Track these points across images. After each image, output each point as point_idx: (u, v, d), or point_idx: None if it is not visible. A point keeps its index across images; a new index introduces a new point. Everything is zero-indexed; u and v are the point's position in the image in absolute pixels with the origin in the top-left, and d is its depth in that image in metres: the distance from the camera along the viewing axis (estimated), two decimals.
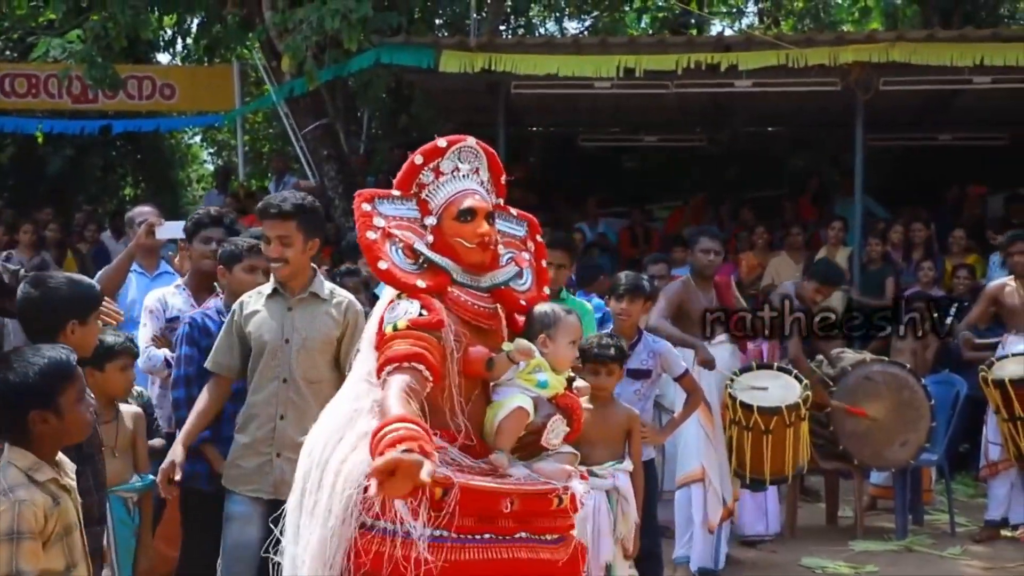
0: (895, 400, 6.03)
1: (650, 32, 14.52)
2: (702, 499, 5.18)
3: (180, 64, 13.42)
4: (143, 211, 5.13)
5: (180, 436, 3.68)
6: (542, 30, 15.17)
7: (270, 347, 3.64)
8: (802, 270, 8.83)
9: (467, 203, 2.77)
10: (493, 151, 2.94)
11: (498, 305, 2.86)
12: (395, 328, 2.63)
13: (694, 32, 13.37)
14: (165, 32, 12.50)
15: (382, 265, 2.71)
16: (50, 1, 10.18)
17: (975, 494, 6.92)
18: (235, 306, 3.75)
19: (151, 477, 3.80)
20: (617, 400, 4.31)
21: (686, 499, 5.26)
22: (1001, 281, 6.51)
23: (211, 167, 18.38)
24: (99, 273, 4.92)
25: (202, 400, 3.72)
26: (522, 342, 2.73)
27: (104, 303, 3.25)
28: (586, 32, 14.89)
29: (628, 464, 4.22)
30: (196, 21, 11.80)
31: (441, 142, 2.85)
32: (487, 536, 2.61)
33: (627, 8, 14.84)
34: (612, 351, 4.19)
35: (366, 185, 10.63)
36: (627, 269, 6.15)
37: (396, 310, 2.68)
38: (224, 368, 3.71)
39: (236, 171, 12.84)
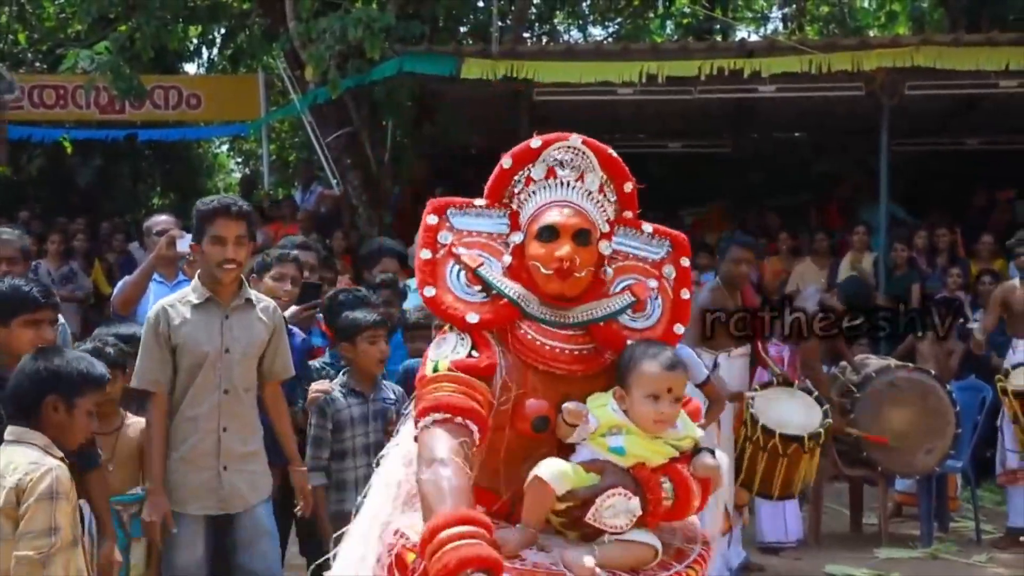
0: (920, 407, 5.97)
1: (674, 38, 14.49)
2: (710, 510, 5.17)
3: (206, 74, 13.55)
4: (160, 220, 5.16)
5: (154, 480, 3.46)
6: (566, 37, 15.18)
7: (210, 358, 3.50)
8: (827, 276, 8.82)
9: (548, 218, 2.27)
10: (608, 151, 2.38)
11: (594, 346, 2.28)
12: (436, 369, 2.20)
13: (719, 38, 13.33)
14: (191, 42, 12.63)
15: (428, 292, 2.28)
16: (76, 13, 10.34)
17: (1001, 501, 6.84)
18: (155, 317, 3.52)
19: None
20: None
21: None
22: (1011, 284, 6.48)
23: (238, 176, 18.55)
24: (119, 284, 4.98)
25: (157, 428, 3.50)
26: (573, 405, 2.19)
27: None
28: (610, 39, 14.89)
29: None
30: (221, 31, 11.91)
31: (535, 142, 2.36)
32: None
33: (651, 14, 14.84)
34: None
35: (391, 194, 10.74)
36: None
37: (443, 345, 2.26)
38: (160, 385, 3.51)
39: (261, 180, 12.95)
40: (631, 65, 8.40)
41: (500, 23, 10.30)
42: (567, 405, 2.18)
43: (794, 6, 15.52)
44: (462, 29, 12.05)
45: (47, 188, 14.05)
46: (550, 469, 2.12)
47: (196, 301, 3.56)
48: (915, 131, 10.65)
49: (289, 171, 15.31)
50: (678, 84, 8.54)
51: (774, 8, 16.66)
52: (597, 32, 15.69)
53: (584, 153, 2.35)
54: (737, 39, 13.29)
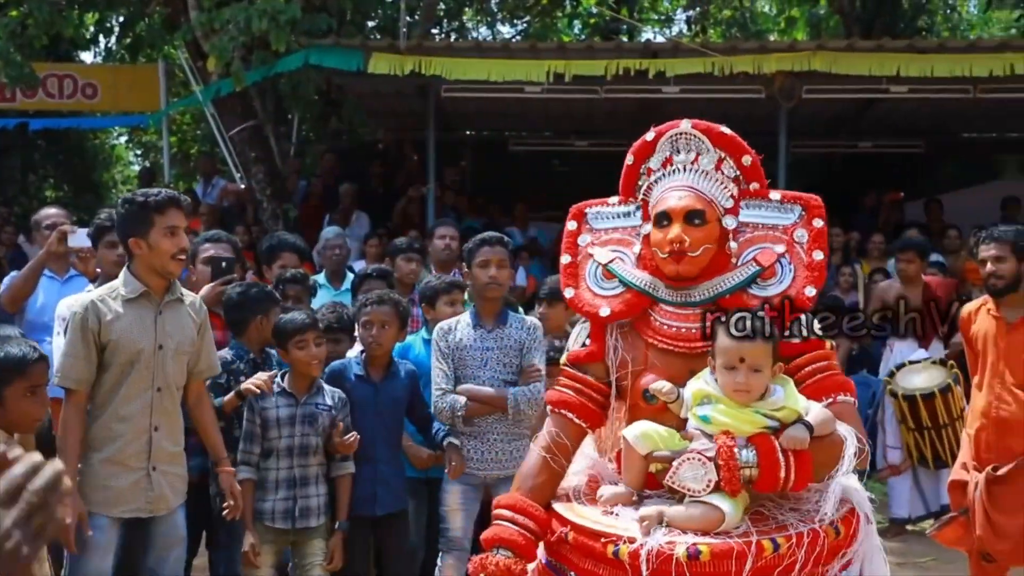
0: None
1: (582, 38, 14.64)
2: None
3: (103, 63, 13.13)
4: (50, 214, 4.97)
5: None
6: (475, 34, 15.21)
7: (144, 355, 3.39)
8: None
9: (661, 205, 2.41)
10: (719, 129, 2.48)
11: None
12: (563, 362, 2.55)
13: (625, 38, 13.52)
14: (87, 30, 12.23)
15: (568, 292, 2.53)
16: None
17: (887, 492, 7.12)
18: (84, 312, 3.37)
19: None
20: None
21: None
22: (887, 283, 6.73)
23: (137, 169, 18.05)
24: (6, 279, 4.79)
25: (74, 428, 3.33)
26: (660, 383, 2.33)
27: None
28: (519, 37, 14.97)
29: None
30: (119, 19, 11.55)
31: (649, 134, 2.52)
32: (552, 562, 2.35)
33: (559, 14, 14.96)
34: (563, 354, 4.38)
35: (296, 188, 10.57)
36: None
37: (573, 338, 2.57)
38: (84, 383, 3.36)
39: (161, 173, 12.61)
40: (539, 63, 8.44)
41: (408, 19, 10.24)
42: (654, 384, 2.32)
43: (698, 9, 15.85)
44: (369, 24, 11.96)
45: None
46: (634, 430, 2.30)
47: (129, 296, 3.42)
48: (812, 133, 10.98)
49: (191, 164, 14.98)
50: (585, 83, 8.63)
51: (678, 11, 16.99)
52: (505, 30, 15.77)
53: (695, 136, 2.45)
54: (642, 40, 13.50)
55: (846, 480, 2.32)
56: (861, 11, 12.98)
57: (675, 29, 16.93)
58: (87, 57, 13.84)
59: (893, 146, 11.54)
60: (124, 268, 3.52)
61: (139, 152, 18.83)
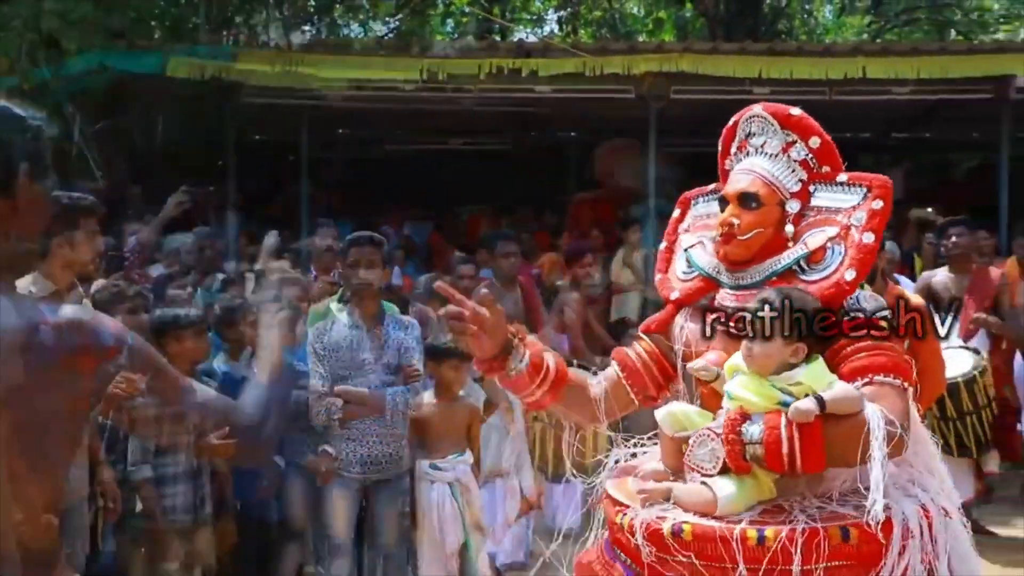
0: None
1: (455, 36, 14.65)
2: (503, 494, 5.28)
3: None
4: None
5: None
6: (347, 31, 15.01)
7: None
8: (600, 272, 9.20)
9: (724, 189, 2.45)
10: (787, 111, 2.43)
11: None
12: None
13: (498, 38, 13.59)
14: None
15: (657, 277, 2.61)
16: None
17: None
18: None
19: None
20: (460, 396, 4.46)
21: (489, 495, 5.33)
22: None
23: None
24: None
25: None
26: (699, 361, 2.31)
27: None
28: (391, 35, 14.85)
29: (469, 456, 4.42)
30: None
31: (731, 121, 2.52)
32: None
33: (432, 12, 14.92)
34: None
35: (81, 192, 9.94)
36: (441, 272, 6.22)
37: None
38: None
39: None
40: (412, 62, 8.40)
41: (278, 16, 10.00)
42: (692, 364, 2.31)
43: (568, 10, 16.08)
44: (193, 24, 11.53)
45: None
46: (662, 411, 2.31)
47: None
48: (681, 133, 11.25)
49: None
50: (459, 82, 8.62)
51: (550, 11, 17.19)
52: (378, 27, 15.61)
53: (764, 118, 2.43)
54: (515, 40, 13.60)
55: (901, 483, 2.18)
56: (724, 14, 13.41)
57: (546, 29, 17.14)
58: None
59: None
60: None
61: None
